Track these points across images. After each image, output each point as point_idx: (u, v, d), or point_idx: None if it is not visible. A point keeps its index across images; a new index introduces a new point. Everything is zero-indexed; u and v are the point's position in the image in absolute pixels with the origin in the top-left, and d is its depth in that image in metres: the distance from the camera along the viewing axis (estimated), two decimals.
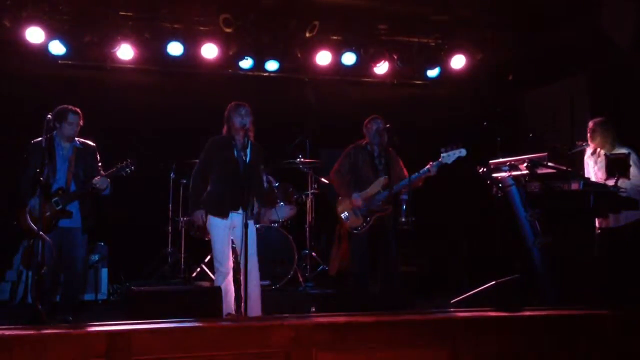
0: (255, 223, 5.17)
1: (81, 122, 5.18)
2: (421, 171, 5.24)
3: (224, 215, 4.90)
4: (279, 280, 6.53)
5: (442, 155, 5.19)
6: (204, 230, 6.64)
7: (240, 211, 4.82)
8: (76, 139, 5.24)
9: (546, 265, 5.17)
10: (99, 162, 5.29)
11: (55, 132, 5.12)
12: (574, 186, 4.95)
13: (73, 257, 5.13)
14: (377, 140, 5.45)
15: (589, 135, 5.44)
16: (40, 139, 4.89)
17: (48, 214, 4.95)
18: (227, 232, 4.96)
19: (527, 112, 7.94)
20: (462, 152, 5.18)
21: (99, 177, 5.06)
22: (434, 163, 5.22)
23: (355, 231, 5.39)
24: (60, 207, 4.99)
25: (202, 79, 7.72)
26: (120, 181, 5.58)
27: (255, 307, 4.81)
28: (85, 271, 5.60)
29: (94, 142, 5.37)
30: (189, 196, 5.16)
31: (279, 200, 6.84)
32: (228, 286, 4.87)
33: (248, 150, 4.98)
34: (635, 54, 6.38)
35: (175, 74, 7.62)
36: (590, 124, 5.46)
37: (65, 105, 5.16)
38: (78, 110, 5.19)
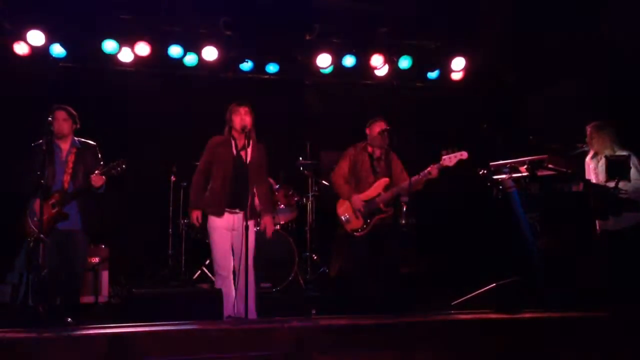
0: (256, 225, 5.16)
1: (69, 118, 5.09)
2: (422, 173, 5.22)
3: (219, 214, 4.91)
4: (280, 282, 6.52)
5: (443, 157, 5.18)
6: (205, 232, 6.68)
7: (239, 212, 4.85)
8: (76, 139, 5.20)
9: (546, 267, 5.17)
10: (100, 162, 5.22)
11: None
12: (575, 188, 4.95)
13: (73, 259, 5.09)
14: (378, 142, 5.44)
15: (587, 139, 5.44)
16: (40, 141, 4.89)
17: (45, 217, 4.89)
18: (226, 234, 4.97)
19: (527, 114, 7.94)
20: (464, 154, 5.17)
21: (94, 174, 4.99)
22: (435, 165, 5.21)
23: (356, 233, 5.38)
24: (56, 209, 4.94)
25: (203, 81, 7.73)
26: (121, 183, 5.58)
27: (250, 311, 4.82)
28: (83, 271, 5.53)
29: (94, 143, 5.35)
30: (189, 196, 5.16)
31: (279, 203, 6.85)
32: (228, 289, 4.88)
33: (249, 150, 5.00)
34: (636, 56, 6.38)
35: (176, 76, 7.63)
36: (587, 128, 5.45)
37: (55, 105, 5.11)
38: (64, 107, 5.11)
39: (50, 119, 4.86)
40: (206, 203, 4.98)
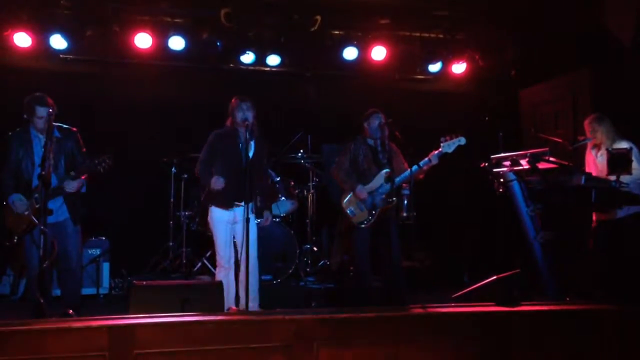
0: (257, 218, 5.18)
1: (51, 110, 4.63)
2: (422, 162, 5.22)
3: (227, 206, 4.93)
4: (281, 275, 6.54)
5: (442, 144, 5.20)
6: (205, 224, 6.68)
7: (242, 205, 4.86)
8: (55, 124, 4.66)
9: (547, 260, 5.18)
10: (82, 148, 4.95)
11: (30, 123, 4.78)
12: (576, 181, 4.93)
13: (66, 251, 4.84)
14: (379, 135, 5.44)
15: (588, 132, 5.43)
16: (18, 129, 4.77)
17: (27, 212, 4.66)
18: (229, 227, 4.99)
19: (529, 108, 7.93)
20: (462, 140, 5.20)
21: (68, 180, 4.69)
22: (435, 153, 5.22)
23: (362, 225, 5.36)
24: (39, 205, 4.57)
25: (204, 73, 7.71)
26: (122, 175, 5.55)
27: (253, 304, 4.83)
28: (81, 264, 5.39)
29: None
30: (201, 178, 5.09)
31: (280, 195, 6.84)
32: (230, 281, 4.89)
33: (252, 144, 5.01)
34: (637, 51, 6.36)
35: (177, 68, 7.60)
36: (586, 122, 5.45)
37: (33, 95, 4.74)
38: (47, 99, 4.71)
39: (31, 110, 4.67)
40: (212, 196, 4.98)
